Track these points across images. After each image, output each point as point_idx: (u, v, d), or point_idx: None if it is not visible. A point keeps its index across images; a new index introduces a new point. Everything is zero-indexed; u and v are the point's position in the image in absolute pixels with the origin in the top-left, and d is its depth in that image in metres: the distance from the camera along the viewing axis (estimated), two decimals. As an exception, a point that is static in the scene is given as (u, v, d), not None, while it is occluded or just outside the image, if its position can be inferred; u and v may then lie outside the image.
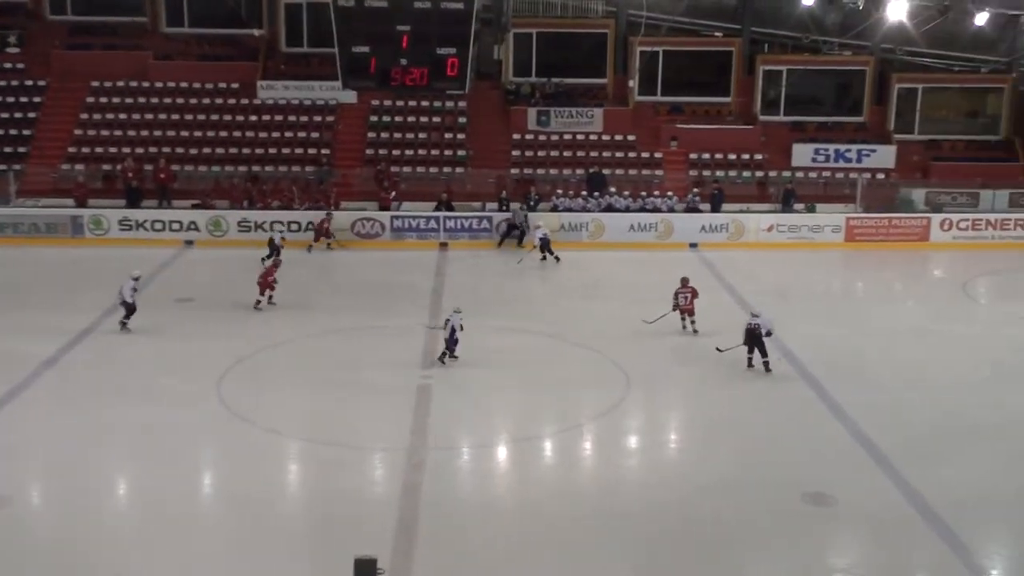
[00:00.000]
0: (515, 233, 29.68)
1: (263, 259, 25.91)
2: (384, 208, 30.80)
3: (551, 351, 20.60)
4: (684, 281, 22.17)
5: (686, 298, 21.88)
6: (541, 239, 27.98)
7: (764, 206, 32.38)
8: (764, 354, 19.50)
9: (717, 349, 20.17)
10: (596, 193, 31.68)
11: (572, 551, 13.04)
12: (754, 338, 19.46)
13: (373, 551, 10.24)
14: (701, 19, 36.95)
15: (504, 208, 30.75)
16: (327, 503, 14.27)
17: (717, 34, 37.12)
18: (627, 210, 30.91)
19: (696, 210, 31.38)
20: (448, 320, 19.83)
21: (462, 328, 19.58)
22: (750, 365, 19.62)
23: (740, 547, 13.34)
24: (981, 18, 31.17)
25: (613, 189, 31.77)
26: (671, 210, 31.05)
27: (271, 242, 27.13)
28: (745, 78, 35.87)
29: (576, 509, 14.25)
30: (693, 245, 29.97)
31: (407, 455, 15.71)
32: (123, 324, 21.46)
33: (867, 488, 14.90)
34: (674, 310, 21.92)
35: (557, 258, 27.84)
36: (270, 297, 23.28)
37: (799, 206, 31.95)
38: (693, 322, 21.92)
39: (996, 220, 31.39)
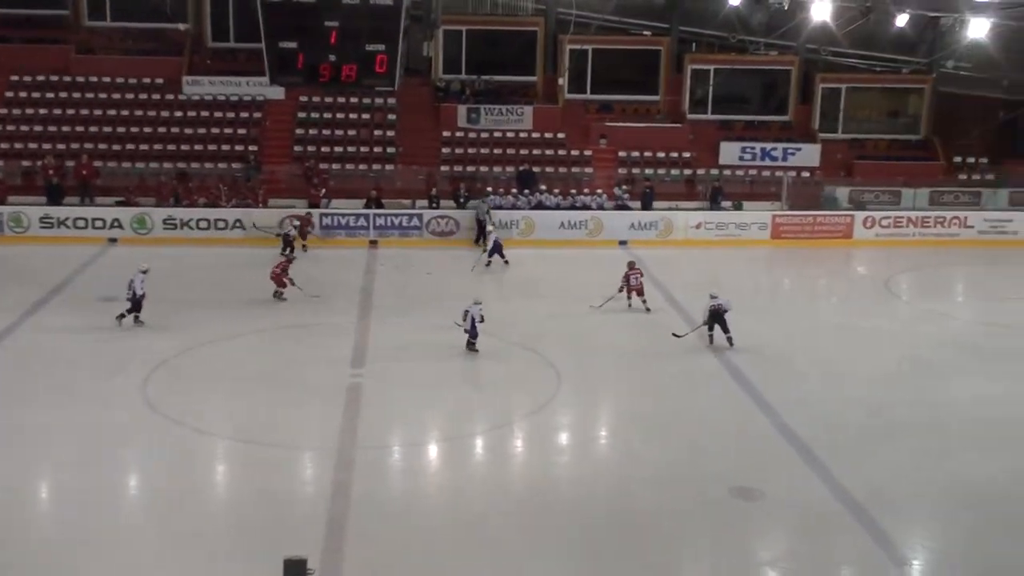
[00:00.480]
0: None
1: (281, 252, 25.88)
2: (313, 206, 30.52)
3: (483, 349, 20.58)
4: (631, 264, 23.87)
5: (637, 279, 23.41)
6: (494, 243, 27.52)
7: (692, 204, 32.72)
8: (726, 330, 20.62)
9: (674, 335, 20.98)
10: (526, 191, 31.75)
11: (503, 547, 13.05)
12: (716, 317, 20.67)
13: (303, 551, 10.15)
14: (630, 18, 37.22)
15: (461, 204, 30.92)
16: (256, 504, 14.10)
17: (646, 33, 37.40)
18: (557, 208, 31.03)
19: (626, 208, 31.62)
20: (467, 311, 20.18)
21: (482, 319, 20.07)
22: (711, 342, 20.86)
23: (668, 541, 13.49)
24: (902, 19, 31.81)
25: (543, 187, 31.87)
26: (601, 208, 31.24)
27: (286, 237, 27.12)
28: (674, 77, 36.19)
29: (507, 506, 14.28)
30: (623, 243, 30.19)
31: (337, 454, 15.59)
32: (122, 316, 21.14)
33: (793, 482, 15.12)
34: (621, 291, 23.34)
35: (506, 261, 27.49)
36: (279, 293, 23.36)
37: (726, 204, 32.36)
38: (644, 301, 23.40)
39: (917, 218, 32.12)
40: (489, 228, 28.35)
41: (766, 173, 34.05)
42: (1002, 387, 19.20)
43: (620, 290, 23.35)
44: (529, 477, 15.61)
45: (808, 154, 34.66)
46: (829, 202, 33.01)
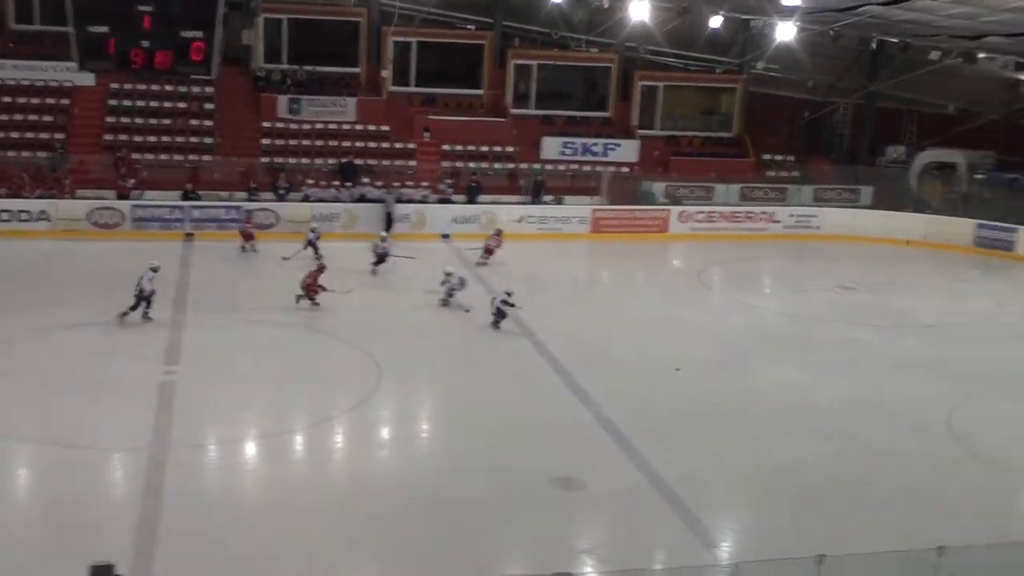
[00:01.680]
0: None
1: (315, 258, 25.20)
2: (122, 197, 29.35)
3: (303, 344, 20.25)
4: (498, 231, 27.60)
5: (497, 241, 27.22)
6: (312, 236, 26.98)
7: (514, 198, 33.04)
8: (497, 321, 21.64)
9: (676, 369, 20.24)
10: (348, 183, 31.40)
11: (321, 544, 12.86)
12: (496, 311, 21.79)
13: (112, 556, 9.80)
14: (455, 12, 37.25)
15: (281, 196, 30.38)
16: (63, 509, 13.44)
17: (470, 27, 37.54)
18: (380, 201, 30.81)
19: (449, 201, 31.66)
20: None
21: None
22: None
23: (489, 533, 13.56)
24: (715, 21, 32.89)
25: (366, 179, 31.59)
26: (424, 201, 31.19)
27: (310, 241, 26.35)
28: (497, 71, 36.45)
29: (325, 502, 14.08)
30: (445, 236, 30.23)
31: (149, 453, 15.04)
32: (126, 313, 20.72)
33: (612, 471, 15.45)
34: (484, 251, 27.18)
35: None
36: (312, 299, 22.48)
37: (548, 198, 32.81)
38: (484, 263, 27.06)
39: (728, 212, 33.39)
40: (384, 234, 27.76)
41: (587, 168, 34.70)
42: (806, 375, 20.13)
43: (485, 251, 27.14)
44: (348, 473, 15.44)
45: (627, 150, 35.51)
46: (646, 197, 33.91)
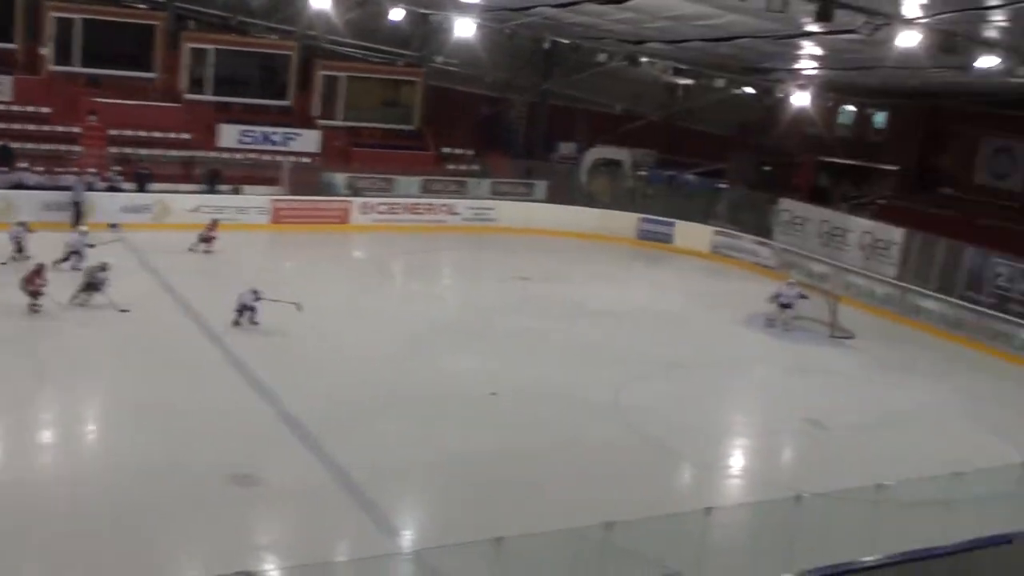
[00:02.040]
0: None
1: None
2: None
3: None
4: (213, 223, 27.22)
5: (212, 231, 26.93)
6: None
7: (190, 187, 31.73)
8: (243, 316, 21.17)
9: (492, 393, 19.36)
10: (3, 168, 29.00)
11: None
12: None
13: None
14: (127, -13, 35.30)
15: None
16: None
17: (141, 6, 35.65)
18: (40, 187, 28.67)
19: (118, 189, 29.96)
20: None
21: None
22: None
23: (167, 534, 12.91)
24: (396, 13, 32.99)
25: (24, 164, 29.29)
26: (90, 188, 29.33)
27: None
28: (170, 54, 34.82)
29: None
30: (114, 226, 28.46)
31: None
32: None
33: (293, 465, 15.19)
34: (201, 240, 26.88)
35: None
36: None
37: (225, 188, 31.77)
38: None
39: (410, 204, 33.70)
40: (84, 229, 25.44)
41: (267, 157, 33.91)
42: (486, 363, 20.67)
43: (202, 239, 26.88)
44: (8, 480, 14.24)
45: (308, 140, 35.02)
46: (328, 188, 33.60)
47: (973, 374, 23.54)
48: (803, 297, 25.56)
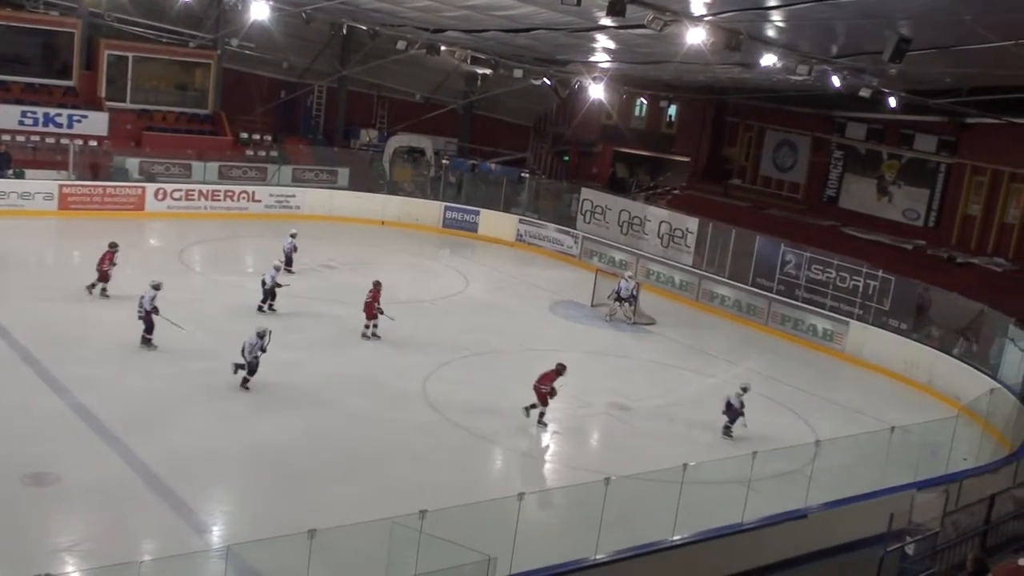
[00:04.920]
0: None
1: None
2: None
3: None
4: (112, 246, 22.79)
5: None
6: None
7: (-35, 170, 29.76)
8: None
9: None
10: None
11: None
12: None
13: None
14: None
15: None
16: None
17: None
18: None
19: None
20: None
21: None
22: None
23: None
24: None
25: None
26: None
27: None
28: (-60, 29, 32.54)
29: None
30: None
31: None
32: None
33: (91, 462, 14.59)
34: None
35: None
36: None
37: (8, 172, 29.91)
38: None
39: (208, 191, 32.64)
40: None
41: (50, 140, 32.15)
42: (292, 353, 20.26)
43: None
44: None
45: (95, 122, 33.41)
46: (119, 173, 32.16)
47: (766, 357, 24.76)
48: (630, 292, 26.08)
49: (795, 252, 27.07)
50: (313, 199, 34.40)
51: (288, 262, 25.64)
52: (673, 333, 25.79)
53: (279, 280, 22.85)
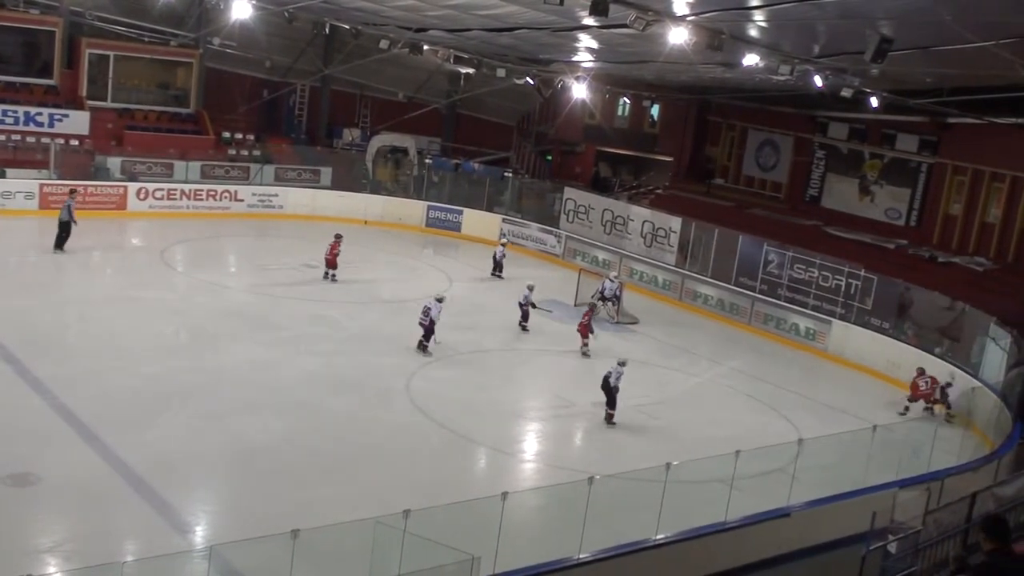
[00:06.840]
0: None
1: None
2: None
3: None
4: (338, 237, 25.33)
5: None
6: None
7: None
8: None
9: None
10: None
11: None
12: None
13: None
14: None
15: None
16: None
17: None
18: None
19: None
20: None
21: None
22: None
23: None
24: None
25: None
26: None
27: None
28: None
29: None
30: None
31: None
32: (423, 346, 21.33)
33: (73, 462, 14.50)
34: None
35: None
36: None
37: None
38: None
39: (190, 190, 32.51)
40: None
41: (31, 139, 31.95)
42: (273, 351, 20.25)
43: None
44: None
45: (77, 121, 33.23)
46: (101, 172, 31.99)
47: (749, 356, 24.83)
48: (614, 292, 26.15)
49: (778, 251, 27.16)
50: (296, 199, 34.29)
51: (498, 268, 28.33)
52: (656, 332, 25.82)
53: (532, 300, 24.25)
